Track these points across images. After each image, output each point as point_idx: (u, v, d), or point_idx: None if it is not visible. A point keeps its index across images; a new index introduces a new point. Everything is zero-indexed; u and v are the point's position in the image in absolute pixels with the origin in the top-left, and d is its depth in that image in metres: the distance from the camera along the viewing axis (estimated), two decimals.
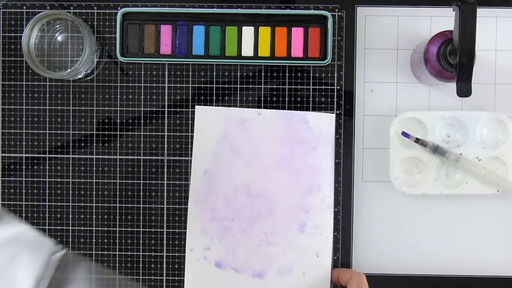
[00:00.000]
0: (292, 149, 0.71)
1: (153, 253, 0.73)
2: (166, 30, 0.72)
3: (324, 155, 0.71)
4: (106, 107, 0.73)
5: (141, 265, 0.73)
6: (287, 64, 0.72)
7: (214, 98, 0.73)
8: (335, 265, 0.73)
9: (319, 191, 0.71)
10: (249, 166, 0.71)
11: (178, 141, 0.73)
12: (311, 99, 0.72)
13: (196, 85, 0.73)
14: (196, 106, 0.72)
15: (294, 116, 0.71)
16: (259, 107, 0.73)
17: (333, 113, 0.72)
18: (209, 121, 0.72)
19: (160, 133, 0.73)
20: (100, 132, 0.73)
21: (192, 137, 0.73)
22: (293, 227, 0.71)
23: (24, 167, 0.74)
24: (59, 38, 0.73)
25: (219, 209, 0.71)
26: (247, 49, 0.72)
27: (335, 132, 0.71)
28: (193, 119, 0.73)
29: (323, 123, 0.71)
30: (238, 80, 0.73)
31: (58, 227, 0.74)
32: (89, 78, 0.73)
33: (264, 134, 0.71)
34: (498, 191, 0.70)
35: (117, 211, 0.73)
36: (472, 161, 0.69)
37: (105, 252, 0.73)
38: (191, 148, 0.73)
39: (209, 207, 0.72)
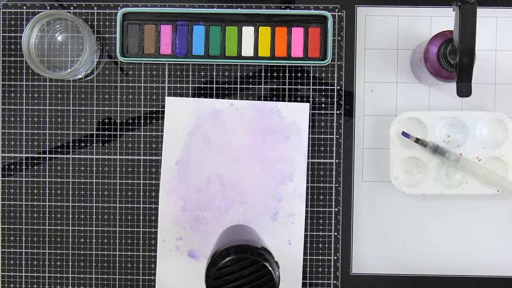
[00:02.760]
0: (264, 139, 0.72)
1: (153, 253, 0.73)
2: (166, 30, 0.72)
3: (297, 145, 0.72)
4: (106, 107, 0.73)
5: (141, 265, 0.73)
6: (287, 64, 0.72)
7: (214, 98, 0.73)
8: (335, 265, 0.73)
9: (291, 181, 0.71)
10: (222, 156, 0.72)
11: None
12: (311, 99, 0.72)
13: (196, 85, 0.73)
14: (166, 97, 0.72)
15: (266, 106, 0.72)
16: None
17: (308, 102, 0.72)
18: (181, 112, 0.72)
19: (160, 133, 0.73)
20: (100, 132, 0.73)
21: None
22: (266, 215, 0.72)
23: (24, 167, 0.74)
24: (59, 38, 0.73)
25: (191, 199, 0.72)
26: (247, 49, 0.72)
27: (309, 121, 0.72)
28: None
29: (296, 113, 0.72)
30: (238, 80, 0.73)
31: (58, 227, 0.74)
32: (89, 78, 0.73)
33: (237, 124, 0.72)
34: (498, 191, 0.70)
35: (117, 211, 0.73)
36: (472, 161, 0.69)
37: (105, 252, 0.73)
38: None
39: (181, 197, 0.72)
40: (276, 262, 0.60)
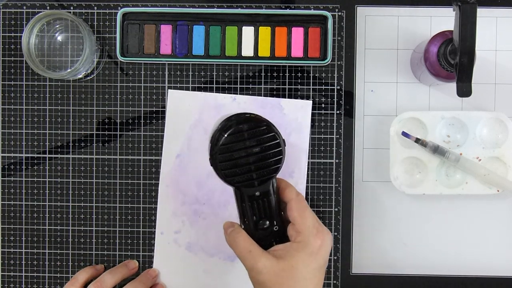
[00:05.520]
0: None
1: (153, 253, 0.73)
2: (166, 30, 0.72)
3: (298, 142, 0.72)
4: (106, 107, 0.73)
5: (141, 265, 0.73)
6: (287, 64, 0.72)
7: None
8: (335, 265, 0.73)
9: (291, 178, 0.71)
10: None
11: None
12: (311, 99, 0.72)
13: (196, 85, 0.73)
14: (169, 90, 0.72)
15: (268, 102, 0.72)
16: None
17: (310, 100, 0.72)
18: (183, 106, 0.72)
19: (160, 133, 0.73)
20: (100, 132, 0.73)
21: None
22: None
23: (24, 167, 0.74)
24: (59, 38, 0.73)
25: (190, 193, 0.72)
26: (247, 49, 0.72)
27: (311, 119, 0.72)
28: None
29: (298, 110, 0.72)
30: (238, 80, 0.73)
31: (58, 227, 0.74)
32: (89, 78, 0.73)
33: None
34: (498, 191, 0.70)
35: (117, 211, 0.73)
36: (472, 161, 0.69)
37: (105, 252, 0.73)
38: None
39: (180, 190, 0.72)
40: (284, 140, 0.56)
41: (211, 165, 0.55)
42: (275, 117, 0.72)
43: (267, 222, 0.57)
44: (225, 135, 0.54)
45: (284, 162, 0.71)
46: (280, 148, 0.55)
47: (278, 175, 0.57)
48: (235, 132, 0.54)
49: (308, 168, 0.72)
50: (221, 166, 0.54)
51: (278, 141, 0.55)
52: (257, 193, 0.56)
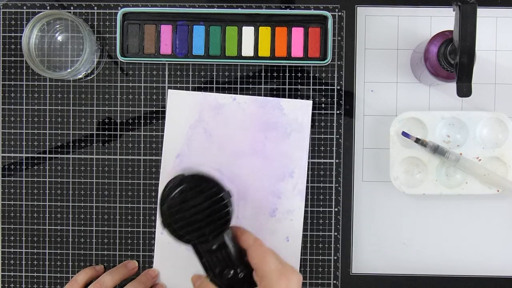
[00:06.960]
0: (266, 135, 0.72)
1: (153, 253, 0.73)
2: (166, 30, 0.72)
3: (298, 142, 0.72)
4: (106, 107, 0.73)
5: (141, 265, 0.73)
6: (287, 64, 0.72)
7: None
8: (335, 265, 0.73)
9: (291, 178, 0.71)
10: (222, 150, 0.72)
11: None
12: (311, 99, 0.72)
13: (196, 85, 0.73)
14: (169, 90, 0.72)
15: (268, 102, 0.72)
16: None
17: (310, 100, 0.72)
18: (183, 105, 0.72)
19: (160, 133, 0.73)
20: (100, 132, 0.73)
21: None
22: (265, 211, 0.72)
23: (24, 167, 0.74)
24: (59, 38, 0.73)
25: None
26: (247, 49, 0.72)
27: (311, 119, 0.72)
28: None
29: (298, 110, 0.72)
30: (238, 80, 0.73)
31: (58, 227, 0.74)
32: (89, 78, 0.73)
33: (238, 119, 0.72)
34: (498, 191, 0.70)
35: (117, 211, 0.73)
36: (472, 161, 0.69)
37: (105, 252, 0.73)
38: None
39: None
40: (228, 191, 0.60)
41: (165, 228, 0.59)
42: (275, 117, 0.72)
43: (231, 272, 0.60)
44: (169, 199, 0.58)
45: (284, 162, 0.71)
46: (225, 201, 0.58)
47: (235, 223, 0.60)
48: (179, 193, 0.58)
49: (308, 168, 0.72)
50: (175, 227, 0.58)
51: (221, 195, 0.58)
52: (214, 247, 0.59)
